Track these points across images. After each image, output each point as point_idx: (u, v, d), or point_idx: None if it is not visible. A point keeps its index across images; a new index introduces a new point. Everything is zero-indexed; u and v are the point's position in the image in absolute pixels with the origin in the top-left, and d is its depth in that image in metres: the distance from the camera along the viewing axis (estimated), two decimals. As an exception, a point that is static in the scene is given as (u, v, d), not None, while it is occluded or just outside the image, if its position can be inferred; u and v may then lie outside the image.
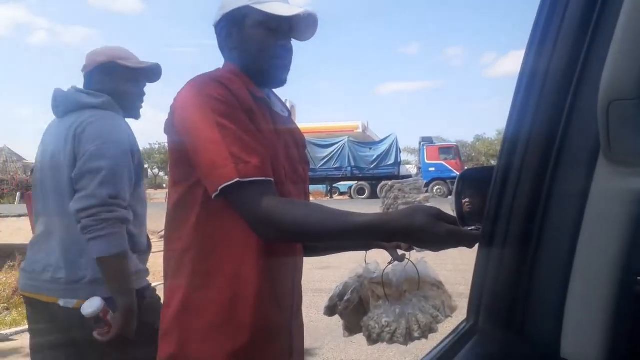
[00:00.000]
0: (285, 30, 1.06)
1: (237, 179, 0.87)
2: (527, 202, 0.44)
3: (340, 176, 19.70)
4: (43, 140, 1.56)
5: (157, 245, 1.47)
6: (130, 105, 1.58)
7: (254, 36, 1.04)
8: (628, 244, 0.38)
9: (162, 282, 1.04)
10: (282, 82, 1.10)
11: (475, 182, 0.77)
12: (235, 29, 1.06)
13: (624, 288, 0.38)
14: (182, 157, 0.98)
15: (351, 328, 1.20)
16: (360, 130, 21.40)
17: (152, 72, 1.62)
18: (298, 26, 1.09)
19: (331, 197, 20.83)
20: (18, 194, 18.40)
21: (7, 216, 9.84)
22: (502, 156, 0.46)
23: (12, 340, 3.97)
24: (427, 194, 1.17)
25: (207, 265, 0.98)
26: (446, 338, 0.58)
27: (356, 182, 19.77)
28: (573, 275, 0.41)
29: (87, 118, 1.42)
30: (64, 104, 1.50)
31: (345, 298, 1.17)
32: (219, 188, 0.88)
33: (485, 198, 0.55)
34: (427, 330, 1.03)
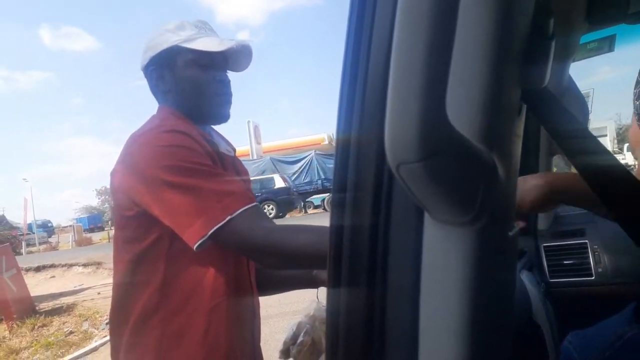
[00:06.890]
0: (220, 64, 1.03)
1: (229, 217, 0.83)
2: (366, 249, 0.42)
3: (312, 190, 19.64)
4: None
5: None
6: None
7: (189, 76, 0.99)
8: (467, 304, 0.36)
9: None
10: (226, 118, 1.06)
11: None
12: (167, 71, 1.01)
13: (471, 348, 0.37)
14: (138, 214, 0.91)
15: (309, 371, 1.15)
16: (326, 142, 21.49)
17: None
18: (232, 58, 1.05)
19: (305, 212, 20.74)
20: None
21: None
22: (332, 205, 0.44)
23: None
24: None
25: (178, 325, 0.93)
26: None
27: (328, 194, 19.77)
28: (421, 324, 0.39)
29: None
30: None
31: (298, 341, 1.12)
32: (210, 233, 0.83)
33: None
34: None
